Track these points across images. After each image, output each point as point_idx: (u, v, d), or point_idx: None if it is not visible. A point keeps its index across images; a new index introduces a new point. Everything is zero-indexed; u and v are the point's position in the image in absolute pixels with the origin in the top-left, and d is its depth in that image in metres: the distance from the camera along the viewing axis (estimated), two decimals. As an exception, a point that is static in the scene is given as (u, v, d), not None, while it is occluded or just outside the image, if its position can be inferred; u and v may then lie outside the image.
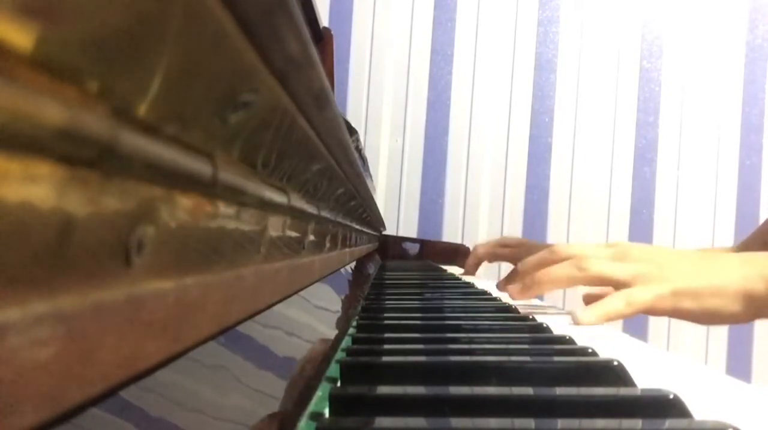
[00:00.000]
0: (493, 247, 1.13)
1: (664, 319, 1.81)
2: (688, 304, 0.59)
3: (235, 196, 0.21)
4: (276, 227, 0.29)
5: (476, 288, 0.82)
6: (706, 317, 0.60)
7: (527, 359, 0.37)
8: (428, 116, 1.81)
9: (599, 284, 0.63)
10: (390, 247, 1.59)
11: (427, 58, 1.81)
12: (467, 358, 0.37)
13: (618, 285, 0.61)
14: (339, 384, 0.33)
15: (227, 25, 0.15)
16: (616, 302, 0.59)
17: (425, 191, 1.80)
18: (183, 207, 0.17)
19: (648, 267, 0.60)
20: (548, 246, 0.68)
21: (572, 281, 0.63)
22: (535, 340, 0.45)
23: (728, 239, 1.72)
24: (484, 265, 1.20)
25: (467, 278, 1.02)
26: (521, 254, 0.93)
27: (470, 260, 1.19)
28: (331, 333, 0.40)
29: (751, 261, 0.61)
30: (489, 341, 0.45)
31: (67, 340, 0.11)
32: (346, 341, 0.41)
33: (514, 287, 0.66)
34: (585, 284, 0.64)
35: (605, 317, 0.58)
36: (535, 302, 0.73)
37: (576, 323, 0.58)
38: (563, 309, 0.71)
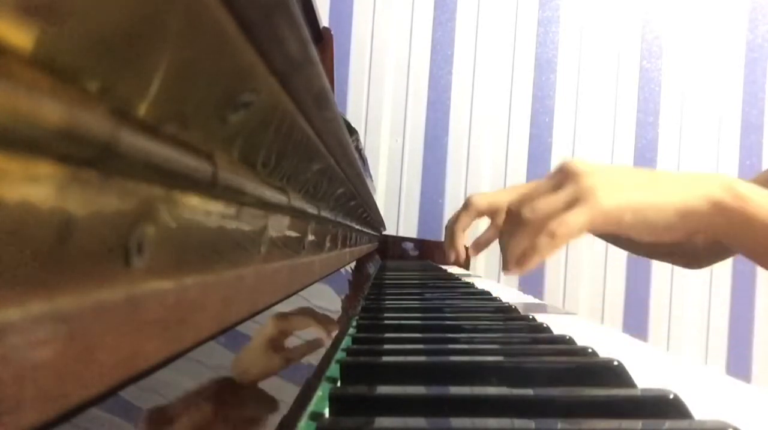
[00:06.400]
0: (472, 231, 1.05)
1: (664, 319, 1.81)
2: (628, 218, 0.59)
3: (235, 196, 0.21)
4: (276, 227, 0.29)
5: (476, 288, 0.82)
6: (645, 231, 0.60)
7: (527, 359, 0.37)
8: (428, 116, 1.81)
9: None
10: (390, 247, 1.59)
11: (427, 58, 1.81)
12: (467, 358, 0.37)
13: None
14: (339, 384, 0.33)
15: (227, 25, 0.15)
16: (540, 242, 0.57)
17: (425, 191, 1.80)
18: (183, 207, 0.17)
19: (587, 183, 0.59)
20: (509, 207, 0.63)
21: (545, 252, 0.59)
22: (535, 340, 0.45)
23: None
24: (485, 261, 1.19)
25: (467, 279, 1.02)
26: (499, 225, 0.87)
27: (451, 247, 1.11)
28: (331, 333, 0.40)
29: (703, 180, 0.61)
30: (489, 341, 0.44)
31: (67, 340, 0.11)
32: (346, 341, 0.41)
33: (506, 271, 0.63)
34: (558, 247, 0.60)
35: (534, 262, 0.57)
36: (535, 301, 0.74)
37: (506, 272, 0.57)
38: (563, 309, 0.71)
